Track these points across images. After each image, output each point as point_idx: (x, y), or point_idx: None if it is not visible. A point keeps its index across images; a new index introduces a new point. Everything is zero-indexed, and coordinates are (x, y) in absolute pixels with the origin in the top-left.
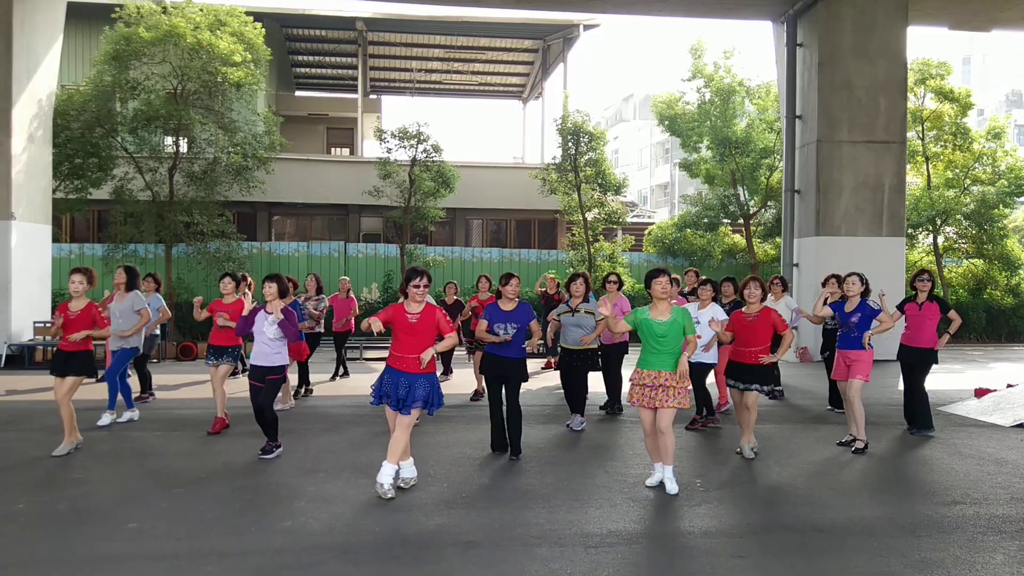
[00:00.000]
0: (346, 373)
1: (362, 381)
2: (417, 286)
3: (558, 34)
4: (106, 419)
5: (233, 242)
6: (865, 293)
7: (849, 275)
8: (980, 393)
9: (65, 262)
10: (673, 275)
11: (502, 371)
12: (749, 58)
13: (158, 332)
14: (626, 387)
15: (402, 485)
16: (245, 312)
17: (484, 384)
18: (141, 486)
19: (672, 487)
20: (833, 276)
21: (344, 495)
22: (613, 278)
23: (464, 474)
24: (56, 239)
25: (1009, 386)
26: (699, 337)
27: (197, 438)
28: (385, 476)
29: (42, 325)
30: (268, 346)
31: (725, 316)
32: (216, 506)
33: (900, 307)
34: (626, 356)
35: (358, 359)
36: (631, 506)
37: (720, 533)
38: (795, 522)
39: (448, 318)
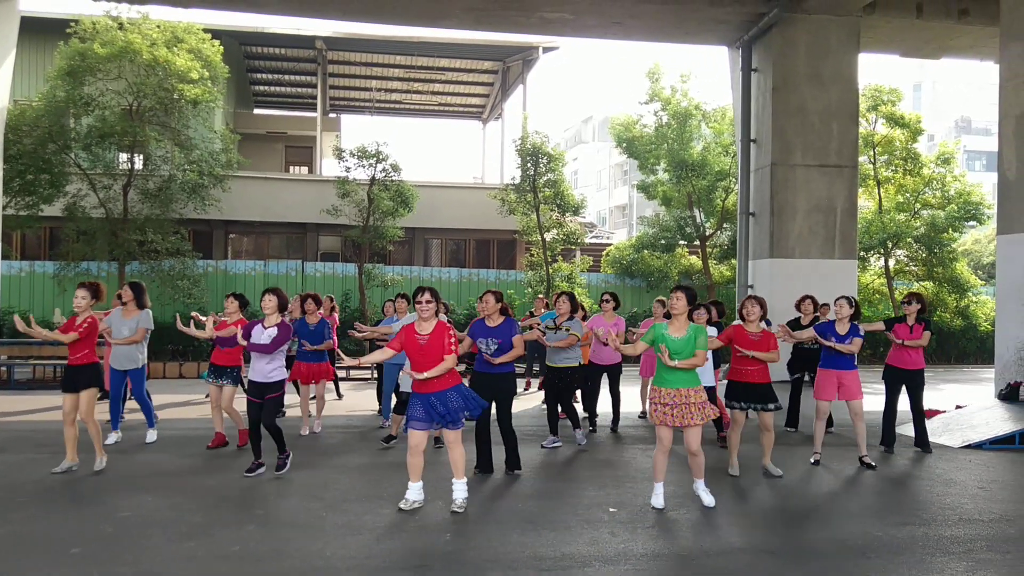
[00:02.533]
0: (339, 395)
1: (334, 405)
2: (420, 302)
3: (517, 56)
4: (152, 435)
5: (188, 260)
6: (855, 316)
7: (839, 298)
8: (930, 414)
9: (15, 280)
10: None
11: (491, 388)
12: (706, 82)
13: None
14: (627, 406)
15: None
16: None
17: None
18: (86, 510)
19: (709, 499)
20: (808, 297)
21: (294, 519)
22: (607, 297)
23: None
24: (6, 256)
25: (958, 407)
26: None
27: (146, 459)
28: (457, 492)
29: None
30: (265, 362)
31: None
32: (163, 530)
33: (888, 326)
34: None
35: (345, 378)
36: (584, 528)
37: (671, 555)
38: (746, 544)
39: (455, 339)
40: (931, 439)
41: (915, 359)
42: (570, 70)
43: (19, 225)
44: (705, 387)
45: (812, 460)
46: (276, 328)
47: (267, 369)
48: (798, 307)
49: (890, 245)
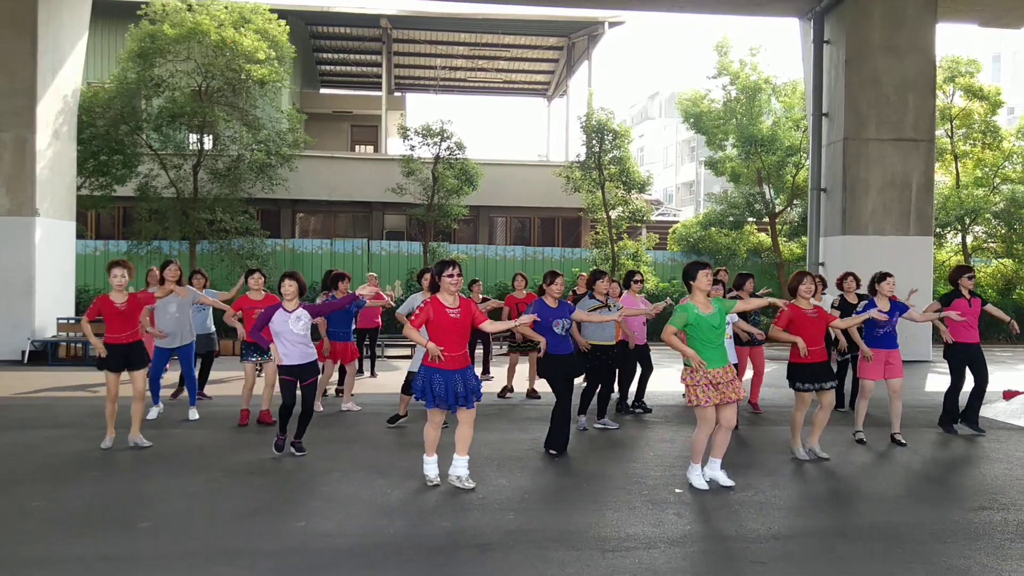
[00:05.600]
0: (373, 374)
1: (384, 380)
2: (451, 275)
3: (583, 31)
4: (194, 414)
5: (257, 239)
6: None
7: (887, 275)
8: (1009, 395)
9: (91, 259)
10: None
11: (573, 367)
12: (775, 55)
13: (213, 328)
14: (646, 388)
15: (460, 484)
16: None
17: (552, 383)
18: (158, 484)
19: (727, 480)
20: (850, 274)
21: (359, 496)
22: (639, 277)
23: (479, 475)
24: (81, 235)
25: None
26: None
27: (215, 435)
28: (460, 469)
29: (66, 321)
30: (300, 344)
31: None
32: (231, 505)
33: (945, 303)
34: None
35: (380, 356)
36: (650, 509)
37: (741, 537)
38: (818, 527)
39: (480, 310)
40: (1011, 421)
41: (978, 332)
42: (636, 45)
43: (93, 205)
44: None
45: (858, 438)
46: (303, 309)
47: (306, 350)
48: (840, 285)
49: (968, 221)
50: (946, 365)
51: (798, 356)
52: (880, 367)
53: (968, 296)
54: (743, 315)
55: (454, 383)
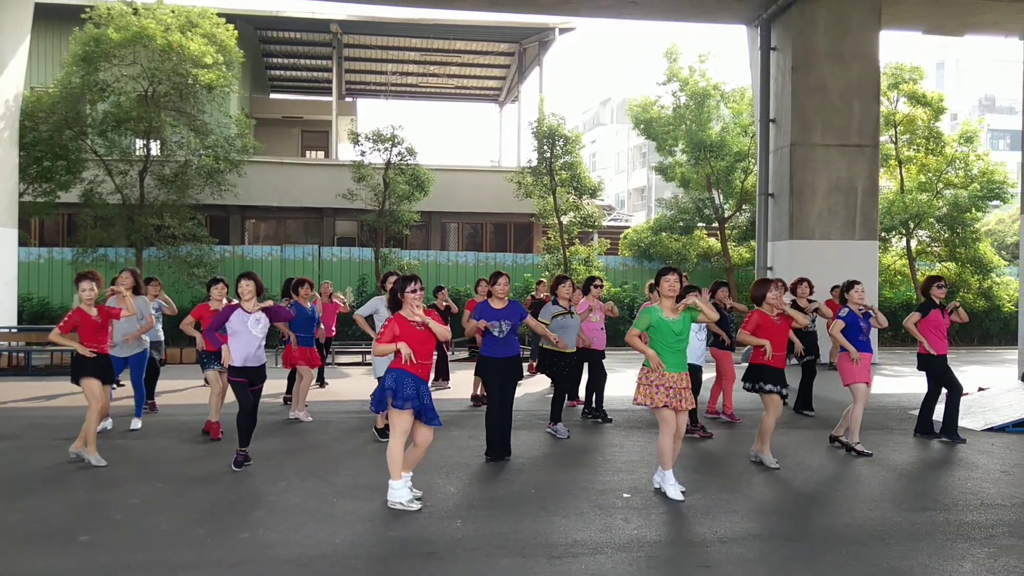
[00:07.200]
0: (322, 383)
1: (336, 387)
2: (414, 291)
3: (534, 37)
4: (137, 423)
5: (205, 246)
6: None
7: (856, 283)
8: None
9: (34, 266)
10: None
11: (507, 372)
12: (724, 62)
13: (162, 337)
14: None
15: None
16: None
17: (486, 386)
18: (96, 497)
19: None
20: (804, 280)
21: (305, 505)
22: (598, 282)
23: (426, 482)
24: (24, 243)
25: (980, 389)
26: None
27: (158, 446)
28: (403, 492)
29: (7, 331)
30: (256, 347)
31: None
32: (172, 517)
33: (924, 313)
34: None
35: (330, 363)
36: (597, 514)
37: (686, 542)
38: (765, 531)
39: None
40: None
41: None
42: (587, 51)
43: (37, 211)
44: (698, 365)
45: (859, 450)
46: (262, 312)
47: (261, 353)
48: (794, 290)
49: (912, 225)
50: (900, 371)
51: (760, 358)
52: (867, 370)
53: (940, 306)
54: (721, 316)
55: (426, 388)
